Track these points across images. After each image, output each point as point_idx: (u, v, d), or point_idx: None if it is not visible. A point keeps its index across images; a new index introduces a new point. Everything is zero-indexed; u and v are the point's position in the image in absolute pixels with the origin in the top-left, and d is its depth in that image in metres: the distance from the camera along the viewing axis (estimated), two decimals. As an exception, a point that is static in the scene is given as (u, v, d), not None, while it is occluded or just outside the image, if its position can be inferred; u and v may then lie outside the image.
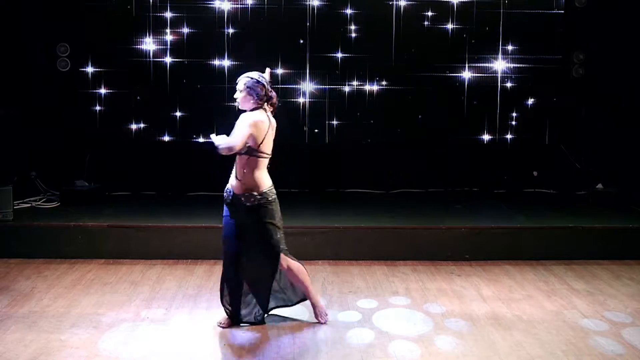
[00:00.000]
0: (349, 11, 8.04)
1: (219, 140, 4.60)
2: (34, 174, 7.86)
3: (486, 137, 8.35)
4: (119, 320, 5.07)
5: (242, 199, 4.74)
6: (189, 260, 6.52)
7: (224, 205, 4.90)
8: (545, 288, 5.88)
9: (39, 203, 7.54)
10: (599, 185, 8.07)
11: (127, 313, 5.21)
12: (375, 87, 8.19)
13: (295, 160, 8.08)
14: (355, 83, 8.16)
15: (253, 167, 4.72)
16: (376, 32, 8.12)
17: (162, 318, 5.14)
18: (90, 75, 7.96)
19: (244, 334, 4.84)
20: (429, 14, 8.13)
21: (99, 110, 8.02)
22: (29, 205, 7.44)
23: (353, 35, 8.08)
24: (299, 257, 6.55)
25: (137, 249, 6.57)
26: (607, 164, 8.23)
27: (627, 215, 7.36)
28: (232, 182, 4.81)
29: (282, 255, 4.88)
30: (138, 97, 8.02)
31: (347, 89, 8.16)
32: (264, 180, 4.77)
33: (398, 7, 8.07)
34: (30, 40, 7.86)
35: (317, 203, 7.79)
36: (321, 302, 5.16)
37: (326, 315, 5.10)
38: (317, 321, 5.05)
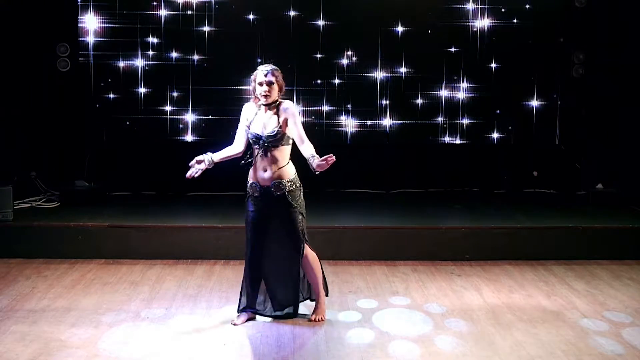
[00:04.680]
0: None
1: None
2: (34, 174, 7.86)
3: (486, 137, 8.36)
4: (119, 320, 5.06)
5: (272, 189, 4.82)
6: (189, 260, 6.52)
7: (249, 202, 4.93)
8: (545, 288, 5.88)
9: (39, 203, 7.54)
10: (599, 185, 8.07)
11: (127, 313, 5.20)
12: (377, 90, 8.22)
13: (295, 160, 8.07)
14: (357, 81, 8.19)
15: (287, 156, 4.88)
16: (377, 31, 8.15)
17: (162, 318, 5.13)
18: (90, 74, 7.98)
19: (243, 334, 4.84)
20: (429, 16, 8.16)
21: (99, 109, 8.04)
22: (29, 205, 7.44)
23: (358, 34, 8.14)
24: (299, 257, 6.57)
25: (137, 249, 6.57)
26: (607, 164, 8.23)
27: (627, 215, 7.36)
28: (260, 175, 4.84)
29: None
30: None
31: (347, 88, 8.20)
32: (292, 168, 4.92)
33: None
34: (30, 40, 7.86)
35: (317, 203, 7.78)
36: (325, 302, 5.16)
37: (323, 316, 5.08)
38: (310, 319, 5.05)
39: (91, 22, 7.93)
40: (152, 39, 7.99)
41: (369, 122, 8.25)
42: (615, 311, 5.34)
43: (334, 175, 8.36)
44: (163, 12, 7.96)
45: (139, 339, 4.75)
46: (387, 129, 8.28)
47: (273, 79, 4.77)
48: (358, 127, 8.25)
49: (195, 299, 5.55)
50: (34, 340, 4.66)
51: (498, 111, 8.33)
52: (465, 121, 8.31)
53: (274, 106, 4.84)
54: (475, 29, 8.19)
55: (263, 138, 4.78)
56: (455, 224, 6.90)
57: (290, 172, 4.88)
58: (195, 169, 4.85)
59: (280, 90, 4.84)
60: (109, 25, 7.94)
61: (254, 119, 4.86)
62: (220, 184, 8.06)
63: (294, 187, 4.88)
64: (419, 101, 8.25)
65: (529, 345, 4.69)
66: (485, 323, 5.08)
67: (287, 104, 4.86)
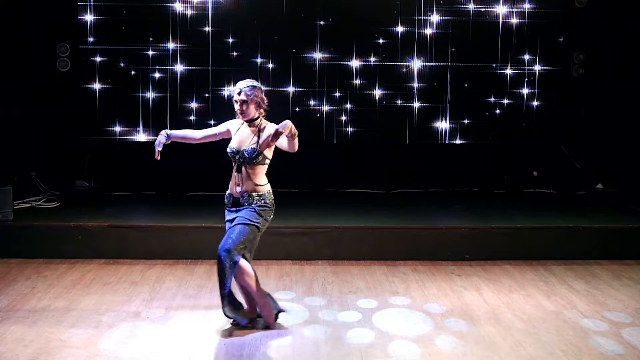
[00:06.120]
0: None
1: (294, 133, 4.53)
2: (34, 174, 7.86)
3: (486, 137, 8.37)
4: (119, 320, 5.06)
5: (241, 199, 4.79)
6: (189, 260, 6.52)
7: (224, 213, 4.94)
8: (545, 288, 5.88)
9: (39, 203, 7.54)
10: (599, 185, 8.07)
11: (127, 313, 5.21)
12: (377, 91, 8.22)
13: (295, 160, 8.08)
14: (358, 82, 8.19)
15: (262, 175, 4.83)
16: (376, 31, 8.15)
17: (162, 318, 5.13)
18: (90, 75, 7.98)
19: (244, 334, 4.84)
20: (430, 17, 8.15)
21: (99, 110, 8.04)
22: (29, 205, 7.44)
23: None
24: (299, 257, 6.59)
25: (137, 249, 6.57)
26: (607, 164, 8.23)
27: (627, 215, 7.36)
28: (234, 189, 4.83)
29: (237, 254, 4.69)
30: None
31: (348, 90, 8.20)
32: (267, 187, 4.85)
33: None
34: (30, 40, 7.87)
35: (317, 203, 7.79)
36: (268, 304, 4.93)
37: (276, 318, 4.95)
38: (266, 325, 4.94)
39: (91, 23, 7.93)
40: (153, 39, 7.98)
41: (368, 123, 8.25)
42: (615, 311, 5.35)
43: (335, 175, 8.43)
44: (164, 13, 7.95)
45: (139, 339, 4.75)
46: (387, 129, 8.28)
47: (246, 97, 4.72)
48: (358, 128, 8.25)
49: (195, 299, 5.55)
50: (34, 340, 4.67)
51: (498, 112, 8.33)
52: (465, 121, 8.31)
53: (255, 124, 4.80)
54: (474, 29, 8.19)
55: (239, 154, 4.76)
56: (455, 224, 6.90)
57: (263, 189, 4.80)
58: (158, 147, 5.00)
59: (258, 106, 4.78)
60: (109, 25, 7.93)
61: (236, 134, 4.87)
62: (220, 184, 8.05)
63: (262, 202, 4.78)
64: (419, 101, 8.25)
65: (529, 345, 4.70)
66: (485, 323, 5.08)
67: (270, 126, 4.77)
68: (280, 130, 4.44)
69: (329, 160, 8.38)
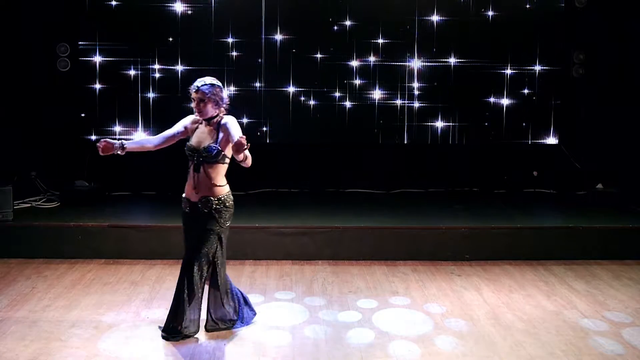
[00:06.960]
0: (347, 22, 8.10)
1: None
2: (34, 174, 7.86)
3: (486, 137, 8.37)
4: (119, 320, 5.07)
5: (200, 205, 4.70)
6: (189, 260, 6.51)
7: (182, 217, 4.86)
8: (545, 288, 5.88)
9: (39, 203, 7.54)
10: (599, 185, 8.07)
11: (127, 313, 5.21)
12: (377, 90, 8.22)
13: (295, 160, 8.09)
14: (357, 82, 8.19)
15: (222, 175, 4.72)
16: (376, 32, 8.16)
17: (162, 318, 5.11)
18: (90, 75, 7.98)
19: (245, 334, 4.84)
20: (430, 17, 8.15)
21: (99, 110, 8.04)
22: (29, 205, 7.44)
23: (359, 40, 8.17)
24: (299, 257, 6.60)
25: (137, 249, 6.57)
26: (607, 164, 8.23)
27: (627, 215, 7.36)
28: (191, 191, 4.73)
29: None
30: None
31: (347, 89, 8.20)
32: (226, 188, 4.75)
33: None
34: (30, 40, 7.87)
35: (317, 203, 7.79)
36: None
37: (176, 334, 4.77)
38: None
39: (91, 23, 7.93)
40: (153, 39, 7.98)
41: (368, 122, 8.25)
42: (615, 311, 5.35)
43: (335, 175, 8.43)
44: (164, 12, 7.95)
45: (139, 339, 4.75)
46: (387, 129, 8.28)
47: (202, 95, 4.61)
48: (358, 127, 8.25)
49: (195, 299, 5.54)
50: (34, 340, 4.67)
51: (498, 112, 8.33)
52: (466, 121, 8.31)
53: (214, 122, 4.69)
54: (474, 29, 8.19)
55: (198, 152, 4.65)
56: (455, 224, 6.89)
57: (222, 190, 4.70)
58: (103, 146, 4.65)
59: (217, 105, 4.65)
60: (109, 25, 7.93)
61: (194, 133, 4.75)
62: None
63: (222, 206, 4.69)
64: (419, 101, 8.25)
65: (529, 345, 4.70)
66: (485, 323, 5.08)
67: (225, 119, 4.68)
68: (238, 140, 4.23)
69: (329, 160, 8.38)
